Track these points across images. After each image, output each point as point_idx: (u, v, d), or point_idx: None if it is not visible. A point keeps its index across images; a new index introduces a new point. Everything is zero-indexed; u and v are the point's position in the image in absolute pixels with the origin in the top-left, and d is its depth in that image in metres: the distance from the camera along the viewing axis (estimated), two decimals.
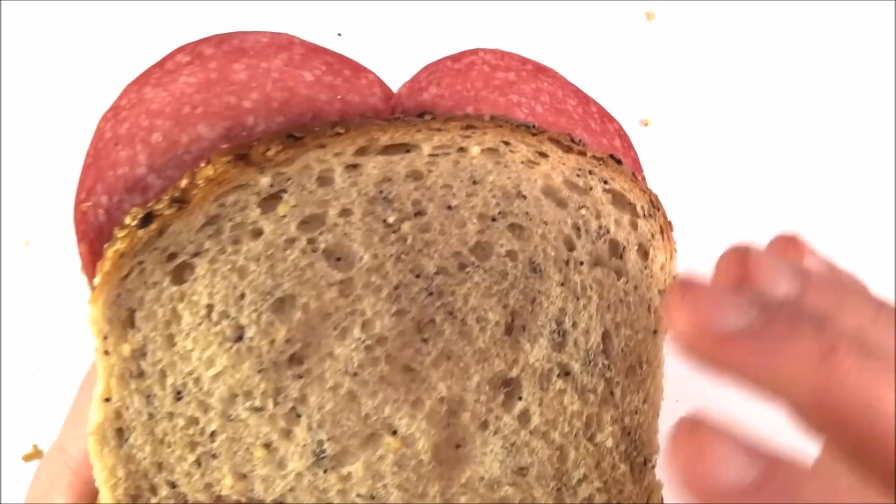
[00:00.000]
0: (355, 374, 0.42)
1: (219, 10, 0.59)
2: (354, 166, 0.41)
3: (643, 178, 0.49)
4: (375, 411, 0.42)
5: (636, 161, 0.49)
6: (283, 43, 0.43)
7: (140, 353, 0.40)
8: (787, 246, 0.40)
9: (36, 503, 0.45)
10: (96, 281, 0.39)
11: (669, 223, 0.45)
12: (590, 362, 0.44)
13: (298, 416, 0.41)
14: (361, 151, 0.41)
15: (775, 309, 0.33)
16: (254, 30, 0.43)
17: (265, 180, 0.39)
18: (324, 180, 0.41)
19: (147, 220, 0.39)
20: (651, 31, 0.62)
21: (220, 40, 0.42)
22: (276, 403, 0.41)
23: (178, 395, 0.40)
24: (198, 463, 0.41)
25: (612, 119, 0.49)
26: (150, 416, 0.40)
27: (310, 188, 0.40)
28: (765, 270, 0.35)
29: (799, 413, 0.34)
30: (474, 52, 0.47)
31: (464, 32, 0.60)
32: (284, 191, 0.40)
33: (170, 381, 0.40)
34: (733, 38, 0.62)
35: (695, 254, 0.58)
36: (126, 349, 0.40)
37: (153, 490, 0.41)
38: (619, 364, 0.44)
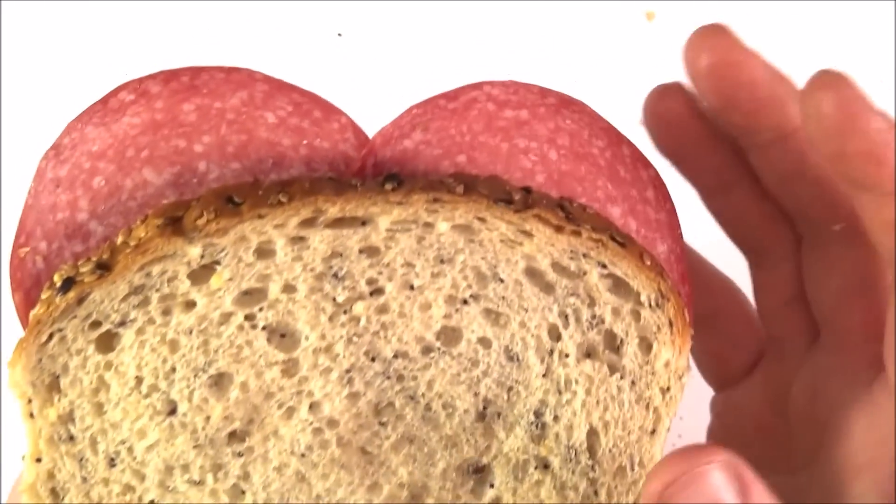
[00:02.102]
0: (303, 456, 0.39)
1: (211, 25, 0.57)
2: (299, 238, 0.37)
3: (677, 236, 0.43)
4: (327, 493, 0.40)
5: (671, 213, 0.43)
6: (241, 80, 0.39)
7: (68, 418, 0.38)
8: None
9: None
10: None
11: (682, 314, 0.39)
12: (571, 459, 0.40)
13: (243, 492, 0.39)
14: (307, 223, 0.37)
15: None
16: (210, 64, 0.39)
17: (195, 251, 0.36)
18: (263, 253, 0.37)
19: (66, 285, 0.36)
20: (651, 31, 0.62)
21: (167, 77, 0.38)
22: (216, 479, 0.39)
23: (112, 462, 0.39)
24: None
25: (647, 164, 0.43)
26: (85, 479, 0.39)
27: (247, 261, 0.37)
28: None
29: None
30: (478, 86, 0.41)
31: (463, 32, 0.59)
32: (218, 262, 0.37)
33: (102, 447, 0.39)
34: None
35: (696, 252, 0.54)
36: (52, 414, 0.38)
37: None
38: (606, 464, 0.40)
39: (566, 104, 0.42)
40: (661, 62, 0.57)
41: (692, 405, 0.54)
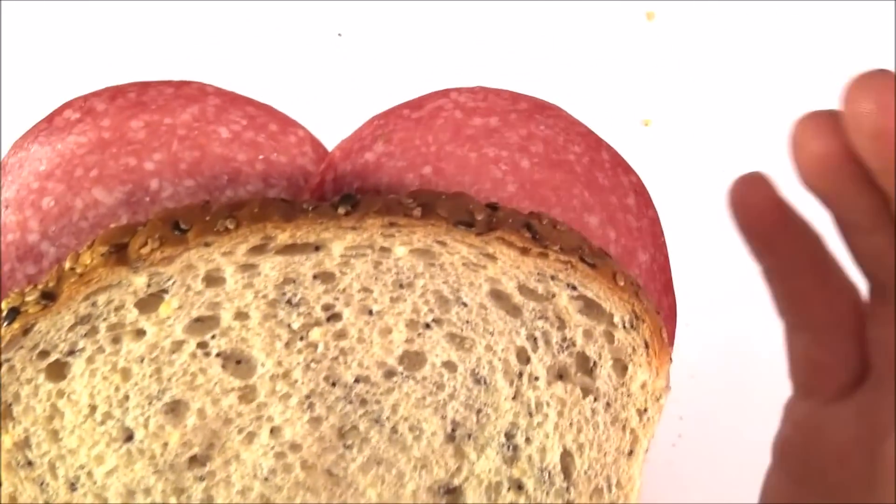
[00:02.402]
0: (266, 479, 0.38)
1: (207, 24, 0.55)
2: (249, 265, 0.35)
3: (660, 245, 0.41)
4: None
5: (654, 222, 0.41)
6: (192, 94, 0.37)
7: (24, 445, 0.37)
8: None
9: None
10: None
11: (660, 334, 0.37)
12: (545, 481, 0.39)
13: None
14: (256, 250, 0.35)
15: None
16: (158, 80, 0.37)
17: (140, 280, 0.35)
18: (212, 280, 0.36)
19: (11, 316, 0.35)
20: (651, 31, 0.61)
21: (113, 93, 0.37)
22: (179, 502, 0.38)
23: (73, 487, 0.38)
24: None
25: (627, 169, 0.41)
26: (47, 502, 0.38)
27: (196, 289, 0.35)
28: None
29: None
30: (444, 93, 0.39)
31: (463, 32, 0.58)
32: (166, 291, 0.35)
33: (61, 472, 0.38)
34: (733, 38, 0.62)
35: (694, 254, 0.54)
36: (7, 441, 0.37)
37: None
38: (582, 486, 0.39)
39: (540, 109, 0.40)
40: (661, 62, 0.59)
41: (692, 405, 0.54)
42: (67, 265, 0.36)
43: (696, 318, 0.54)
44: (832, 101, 0.56)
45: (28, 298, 0.36)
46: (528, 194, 0.39)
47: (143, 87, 0.37)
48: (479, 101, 0.39)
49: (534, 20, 0.58)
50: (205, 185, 0.38)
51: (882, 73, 0.34)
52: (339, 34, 0.55)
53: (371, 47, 0.54)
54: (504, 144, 0.39)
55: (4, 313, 0.35)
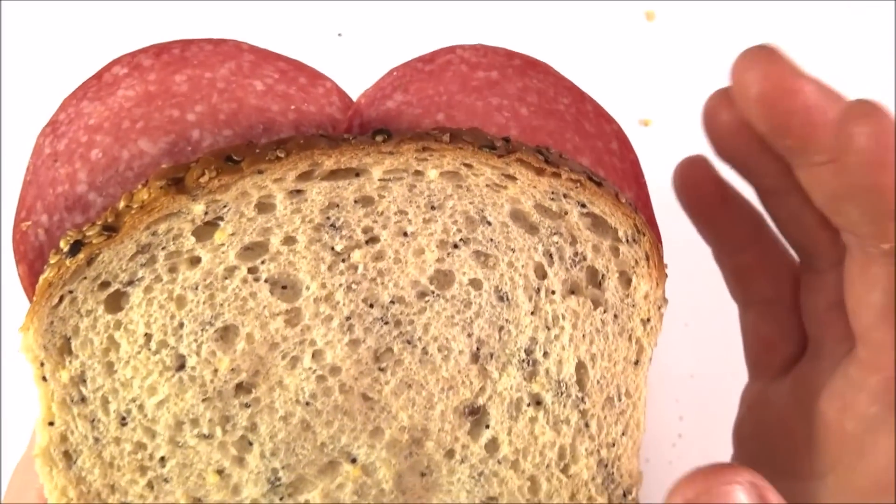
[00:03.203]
0: (308, 404, 0.41)
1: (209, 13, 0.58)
2: (297, 192, 0.39)
3: (642, 184, 0.46)
4: (332, 440, 0.42)
5: (635, 164, 0.46)
6: (229, 51, 0.41)
7: (80, 379, 0.40)
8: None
9: (14, 497, 0.46)
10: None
11: (657, 247, 0.42)
12: (563, 393, 0.43)
13: (250, 443, 0.41)
14: (304, 176, 0.39)
15: None
16: (199, 38, 0.41)
17: (199, 208, 0.38)
18: (264, 207, 0.39)
19: (76, 248, 0.38)
20: (651, 31, 0.62)
21: (159, 50, 0.41)
22: (224, 431, 0.41)
23: (123, 421, 0.40)
24: (150, 486, 0.41)
25: (609, 119, 0.46)
26: (97, 440, 0.41)
27: (249, 215, 0.39)
28: None
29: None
30: (451, 49, 0.44)
31: (462, 32, 0.60)
32: (221, 218, 0.39)
33: (113, 406, 0.40)
34: (733, 38, 0.62)
35: (694, 254, 0.55)
36: (64, 376, 0.40)
37: None
38: (595, 396, 0.43)
39: (531, 65, 0.45)
40: (661, 62, 0.61)
41: (692, 405, 0.57)
42: (122, 204, 0.39)
43: (695, 317, 0.57)
44: None
45: (89, 233, 0.39)
46: (528, 138, 0.44)
47: (186, 44, 0.41)
48: (480, 56, 0.44)
49: (533, 20, 0.60)
50: (242, 134, 0.42)
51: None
52: (340, 34, 0.58)
53: (371, 47, 0.56)
54: (505, 94, 0.44)
55: (68, 246, 0.38)
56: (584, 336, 0.42)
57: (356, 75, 0.45)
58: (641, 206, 0.46)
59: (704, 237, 0.43)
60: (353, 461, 0.42)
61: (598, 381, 0.43)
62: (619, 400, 0.43)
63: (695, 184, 0.44)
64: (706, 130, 0.40)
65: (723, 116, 0.40)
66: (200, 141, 0.41)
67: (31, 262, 0.41)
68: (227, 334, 0.40)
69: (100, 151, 0.41)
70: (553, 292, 0.42)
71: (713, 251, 0.43)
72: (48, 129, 0.41)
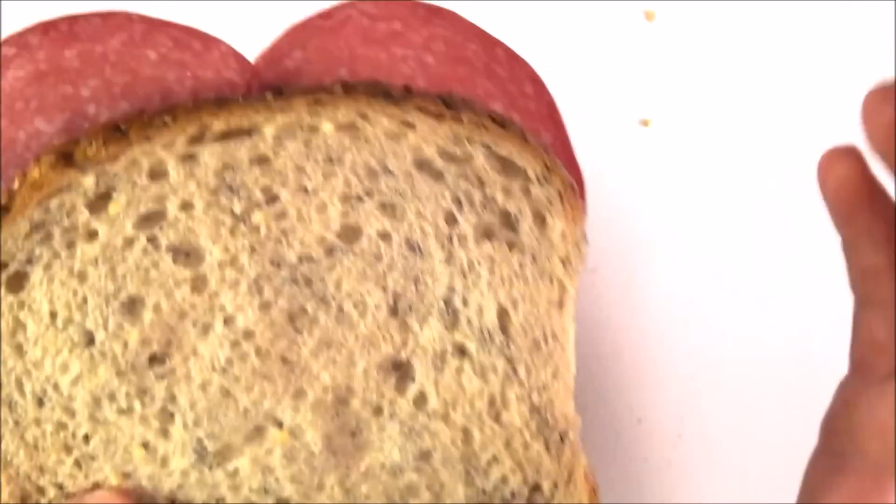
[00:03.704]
0: (224, 371, 0.41)
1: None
2: (189, 157, 0.39)
3: (559, 123, 0.45)
4: (254, 406, 0.41)
5: (551, 106, 0.45)
6: (119, 22, 0.41)
7: None
8: None
9: None
10: None
11: (570, 185, 0.41)
12: (487, 340, 0.42)
13: (172, 414, 0.41)
14: (194, 140, 0.39)
15: None
16: (85, 12, 0.40)
17: (89, 180, 0.38)
18: (156, 174, 0.39)
19: None
20: (651, 31, 0.61)
21: (45, 27, 0.40)
22: (143, 405, 0.40)
23: (40, 402, 0.40)
24: (77, 465, 0.41)
25: (522, 62, 0.45)
26: (17, 423, 0.40)
27: (141, 184, 0.39)
28: None
29: None
30: (351, 4, 0.44)
31: None
32: (114, 189, 0.38)
33: (28, 388, 0.40)
34: (733, 38, 0.62)
35: (694, 254, 0.57)
36: None
37: (41, 492, 0.41)
38: (520, 341, 0.42)
39: (435, 13, 0.44)
40: (660, 62, 0.60)
41: (692, 405, 0.55)
42: (16, 184, 0.39)
43: (695, 317, 0.56)
44: (832, 100, 0.59)
45: None
46: (436, 87, 0.43)
47: (73, 19, 0.41)
48: (381, 8, 0.43)
49: (533, 20, 0.60)
50: (139, 106, 0.41)
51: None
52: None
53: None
54: (409, 45, 0.43)
55: None
56: (502, 281, 0.42)
57: None
58: (560, 147, 0.45)
59: (838, 227, 0.42)
60: (280, 425, 0.41)
61: (521, 326, 0.42)
62: (546, 343, 0.42)
63: (841, 174, 0.41)
64: (865, 126, 0.40)
65: (885, 113, 0.38)
66: (97, 115, 0.41)
67: None
68: (133, 306, 0.40)
69: None
70: (465, 238, 0.41)
71: (843, 243, 0.42)
72: None
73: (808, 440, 0.41)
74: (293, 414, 0.41)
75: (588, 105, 0.45)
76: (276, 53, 0.42)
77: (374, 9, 0.43)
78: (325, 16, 0.43)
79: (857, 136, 0.62)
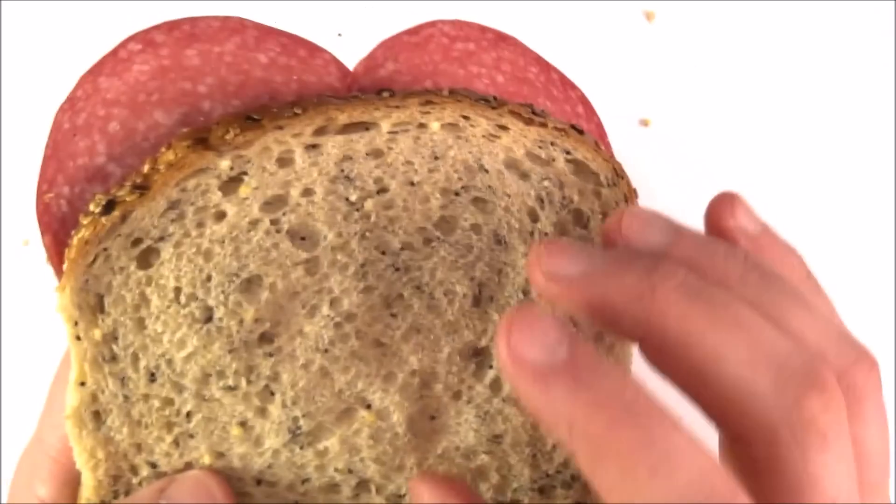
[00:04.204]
0: (326, 351, 0.44)
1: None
2: (314, 146, 0.43)
3: (607, 144, 0.51)
4: (348, 387, 0.44)
5: (600, 126, 0.51)
6: (234, 26, 0.45)
7: (111, 337, 0.42)
8: (726, 205, 0.44)
9: (18, 494, 0.46)
10: (64, 269, 0.41)
11: (634, 190, 0.46)
12: None
13: (272, 393, 0.44)
14: (320, 131, 0.42)
15: (621, 253, 0.38)
16: (206, 15, 0.44)
17: (225, 163, 0.41)
18: (284, 161, 0.43)
19: (109, 206, 0.41)
20: (651, 31, 0.63)
21: (170, 27, 0.44)
22: (248, 382, 0.43)
23: (152, 377, 0.43)
24: (175, 443, 0.43)
25: (573, 86, 0.51)
26: (126, 398, 0.43)
27: (270, 170, 0.42)
28: (637, 223, 0.39)
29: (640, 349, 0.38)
30: (432, 24, 0.48)
31: None
32: (245, 173, 0.42)
33: (143, 363, 0.42)
34: (733, 38, 0.64)
35: None
36: (97, 334, 0.42)
37: (134, 470, 0.43)
38: (587, 331, 0.46)
39: (502, 38, 0.50)
40: (660, 62, 0.62)
41: (692, 405, 0.59)
42: (147, 167, 0.42)
43: None
44: (832, 100, 0.62)
45: (119, 193, 0.41)
46: None
47: (195, 20, 0.44)
48: (458, 30, 0.49)
49: (533, 20, 0.62)
50: (249, 104, 0.45)
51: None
52: (339, 34, 0.60)
53: (371, 47, 0.58)
54: (482, 64, 0.49)
55: (101, 207, 0.41)
56: None
57: None
58: None
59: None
60: (368, 407, 0.45)
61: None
62: (609, 334, 0.47)
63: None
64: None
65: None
66: (211, 112, 0.44)
67: (56, 231, 0.43)
68: (251, 285, 0.43)
69: (117, 124, 0.43)
70: (545, 234, 0.46)
71: None
72: (66, 106, 0.43)
73: None
74: (382, 396, 0.45)
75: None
76: (371, 63, 0.47)
77: (451, 29, 0.49)
78: (411, 32, 0.48)
79: (856, 136, 0.66)
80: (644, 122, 0.63)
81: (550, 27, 0.64)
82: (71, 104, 0.44)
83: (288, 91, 0.46)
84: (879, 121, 0.66)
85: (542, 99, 0.50)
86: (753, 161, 0.64)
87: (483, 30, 0.50)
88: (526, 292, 0.46)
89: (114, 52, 0.44)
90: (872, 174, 0.65)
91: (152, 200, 0.41)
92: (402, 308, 0.45)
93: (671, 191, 0.58)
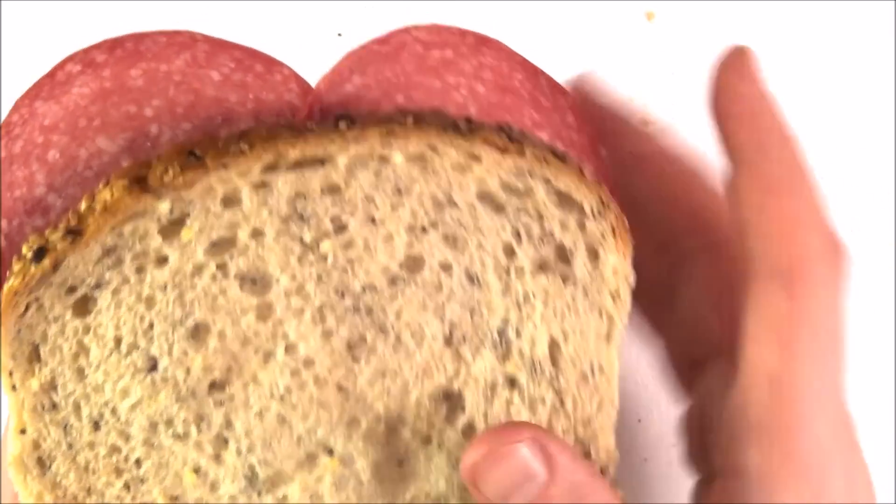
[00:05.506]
0: (282, 398, 0.41)
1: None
2: (263, 184, 0.39)
3: (600, 156, 0.47)
4: (308, 434, 0.42)
5: (592, 137, 0.47)
6: (184, 41, 0.41)
7: (50, 387, 0.40)
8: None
9: None
10: None
11: (623, 220, 0.43)
12: (537, 372, 0.43)
13: (226, 441, 0.41)
14: (269, 168, 0.39)
15: None
16: (151, 30, 0.40)
17: (164, 207, 0.38)
18: (230, 201, 0.39)
19: (40, 254, 0.38)
20: (651, 31, 0.62)
21: (112, 45, 0.40)
22: (199, 431, 0.41)
23: (96, 426, 0.41)
24: (126, 487, 0.41)
25: (563, 92, 0.46)
26: (70, 445, 0.41)
27: (215, 211, 0.39)
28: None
29: None
30: (405, 30, 0.44)
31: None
32: (187, 215, 0.39)
33: (85, 412, 0.40)
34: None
35: None
36: (34, 384, 0.40)
37: None
38: (569, 373, 0.43)
39: (483, 42, 0.45)
40: (661, 62, 0.61)
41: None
42: (84, 205, 0.39)
43: None
44: (832, 100, 0.61)
45: (52, 237, 0.38)
46: (487, 115, 0.44)
47: (139, 37, 0.41)
48: (434, 35, 0.44)
49: (533, 20, 0.60)
50: (200, 126, 0.41)
51: None
52: (339, 34, 0.58)
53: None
54: (461, 73, 0.44)
55: (32, 253, 0.38)
56: (555, 313, 0.43)
57: None
58: (602, 179, 0.47)
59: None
60: (331, 453, 0.42)
61: (571, 358, 0.43)
62: (593, 376, 0.44)
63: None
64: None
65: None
66: (159, 136, 0.41)
67: None
68: (198, 332, 0.40)
69: (57, 152, 0.40)
70: (522, 270, 0.42)
71: None
72: (2, 132, 0.40)
73: None
74: (345, 442, 0.42)
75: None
76: (336, 78, 0.43)
77: (427, 35, 0.44)
78: (381, 41, 0.43)
79: (856, 135, 0.65)
80: (644, 123, 0.60)
81: (550, 27, 0.61)
82: (6, 130, 0.40)
83: (244, 111, 0.42)
84: (879, 121, 0.64)
85: (527, 109, 0.45)
86: None
87: (462, 34, 0.45)
88: (502, 332, 0.43)
89: (51, 74, 0.40)
90: (872, 173, 0.64)
91: (86, 248, 0.38)
92: (366, 351, 0.42)
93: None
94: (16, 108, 0.40)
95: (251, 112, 0.42)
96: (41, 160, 0.40)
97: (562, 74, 0.47)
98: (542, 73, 0.46)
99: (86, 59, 0.40)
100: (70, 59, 0.40)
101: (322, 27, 0.59)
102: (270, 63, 0.42)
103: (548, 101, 0.46)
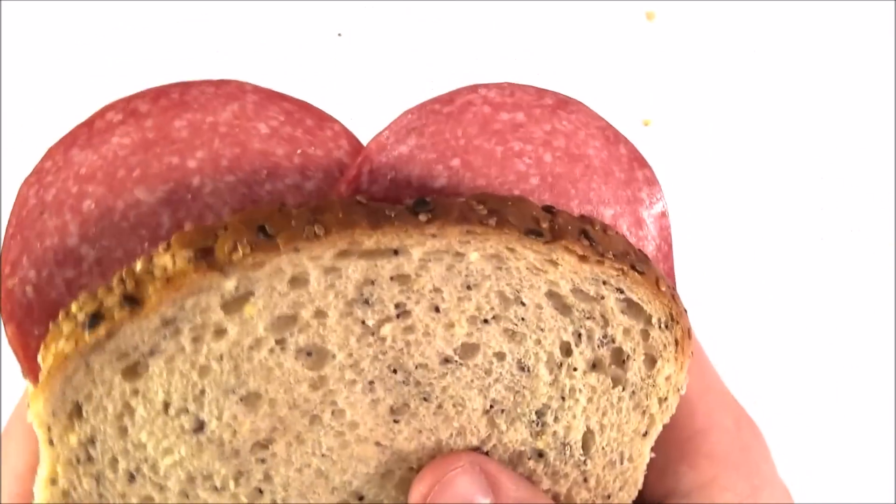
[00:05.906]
0: (324, 456, 0.41)
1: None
2: (333, 269, 0.37)
3: (670, 244, 0.44)
4: (344, 485, 0.42)
5: (663, 213, 0.44)
6: (232, 92, 0.38)
7: (88, 442, 0.38)
8: None
9: None
10: (40, 373, 0.37)
11: (688, 333, 0.41)
12: (566, 453, 0.43)
13: (261, 491, 0.41)
14: (342, 255, 0.37)
15: None
16: (199, 79, 0.38)
17: (230, 284, 0.36)
18: (297, 282, 0.37)
19: (94, 321, 0.36)
20: (651, 31, 0.63)
21: (156, 94, 0.38)
22: (237, 485, 0.40)
23: (132, 478, 0.39)
24: None
25: (643, 163, 0.43)
26: (101, 496, 0.39)
27: (280, 290, 0.37)
28: None
29: None
30: (473, 88, 0.41)
31: (462, 32, 0.59)
32: (251, 293, 0.36)
33: (122, 466, 0.39)
34: (733, 38, 0.64)
35: (695, 253, 0.58)
36: (73, 439, 0.38)
37: None
38: (598, 459, 0.43)
39: (563, 105, 0.42)
40: (661, 62, 0.60)
41: None
42: (139, 267, 0.36)
43: (695, 315, 0.56)
44: (832, 99, 0.60)
45: (107, 302, 0.36)
46: (548, 187, 0.42)
47: (186, 86, 0.38)
48: (506, 96, 0.41)
49: (533, 20, 0.59)
50: (244, 179, 0.39)
51: None
52: (339, 34, 0.56)
53: (371, 47, 0.55)
54: (529, 139, 0.41)
55: (87, 318, 0.36)
56: (597, 409, 0.42)
57: (356, 76, 0.43)
58: (661, 259, 0.44)
59: None
60: (361, 498, 0.42)
61: (603, 448, 0.43)
62: (622, 463, 0.43)
63: None
64: None
65: None
66: (201, 188, 0.39)
67: (20, 321, 0.38)
68: (249, 399, 0.39)
69: (92, 202, 0.38)
70: (575, 369, 0.41)
71: None
72: (32, 179, 0.38)
73: (803, 441, 0.43)
74: (378, 491, 0.42)
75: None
76: (391, 137, 0.40)
77: (497, 96, 0.41)
78: (444, 101, 0.41)
79: (856, 135, 0.66)
80: (644, 122, 0.62)
81: (551, 27, 0.61)
82: (38, 177, 0.38)
83: (290, 166, 0.39)
84: (879, 120, 0.65)
85: (596, 182, 0.42)
86: (754, 160, 0.64)
87: (540, 94, 0.42)
88: (541, 414, 0.41)
89: (89, 123, 0.38)
90: (872, 172, 0.65)
91: (144, 318, 0.36)
92: (408, 415, 0.41)
93: (672, 190, 0.55)
94: (48, 155, 0.38)
95: (298, 167, 0.39)
96: (75, 210, 0.38)
97: (562, 74, 0.46)
98: (625, 141, 0.43)
99: (128, 108, 0.38)
100: (111, 107, 0.37)
101: (322, 27, 0.58)
102: (321, 117, 0.40)
103: (622, 173, 0.43)
